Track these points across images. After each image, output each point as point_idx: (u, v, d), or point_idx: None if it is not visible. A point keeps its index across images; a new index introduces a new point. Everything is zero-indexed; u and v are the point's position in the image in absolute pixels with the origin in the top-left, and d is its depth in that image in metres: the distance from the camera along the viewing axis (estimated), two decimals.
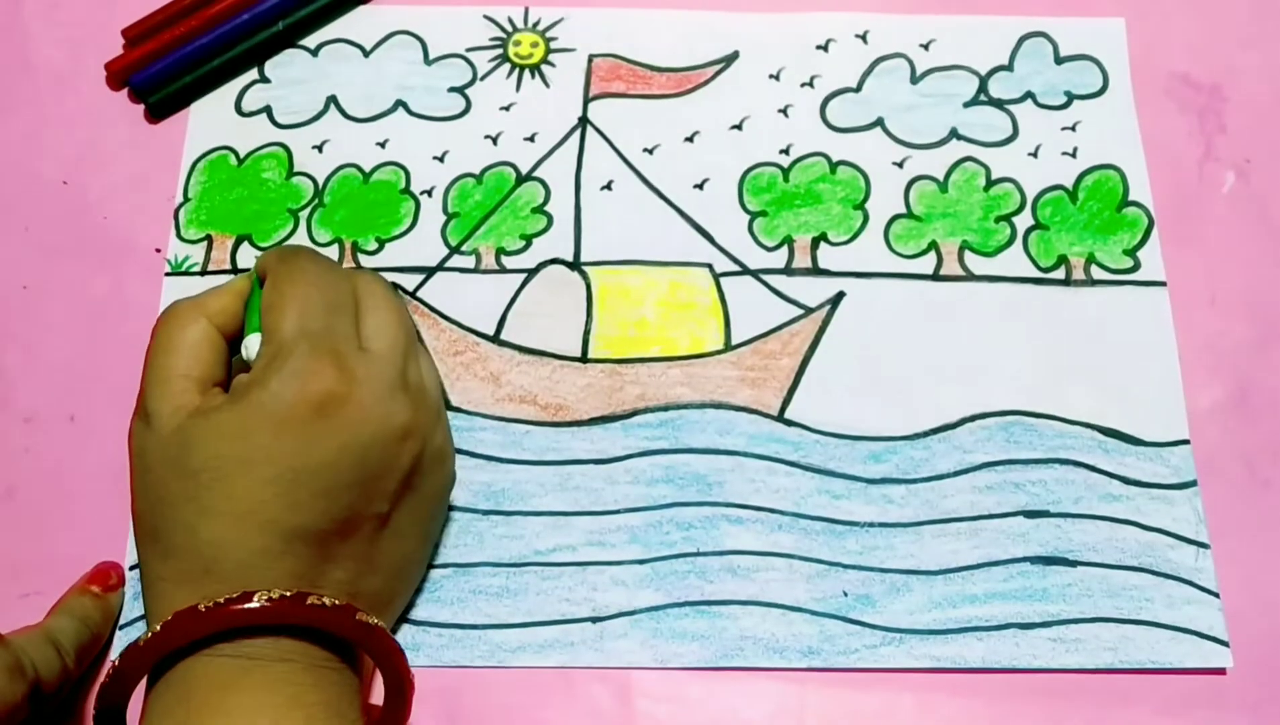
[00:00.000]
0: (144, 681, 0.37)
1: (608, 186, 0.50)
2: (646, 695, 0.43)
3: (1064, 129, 0.51)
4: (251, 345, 0.39)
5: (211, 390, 0.39)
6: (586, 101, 0.52)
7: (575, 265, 0.49)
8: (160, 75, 0.52)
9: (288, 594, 0.35)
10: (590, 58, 0.53)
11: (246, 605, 0.35)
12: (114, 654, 0.43)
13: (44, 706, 0.40)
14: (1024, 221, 0.50)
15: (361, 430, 0.37)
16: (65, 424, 0.47)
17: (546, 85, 0.52)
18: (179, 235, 0.50)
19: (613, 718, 0.43)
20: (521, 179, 0.51)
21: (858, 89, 0.52)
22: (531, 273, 0.49)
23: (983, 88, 0.52)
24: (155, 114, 0.52)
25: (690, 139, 0.51)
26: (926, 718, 0.43)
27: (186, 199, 0.50)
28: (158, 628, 0.35)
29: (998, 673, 0.43)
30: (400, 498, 0.39)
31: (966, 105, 0.52)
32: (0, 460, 0.46)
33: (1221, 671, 0.43)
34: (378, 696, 0.40)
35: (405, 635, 0.43)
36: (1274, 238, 0.50)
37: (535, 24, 0.53)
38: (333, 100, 0.52)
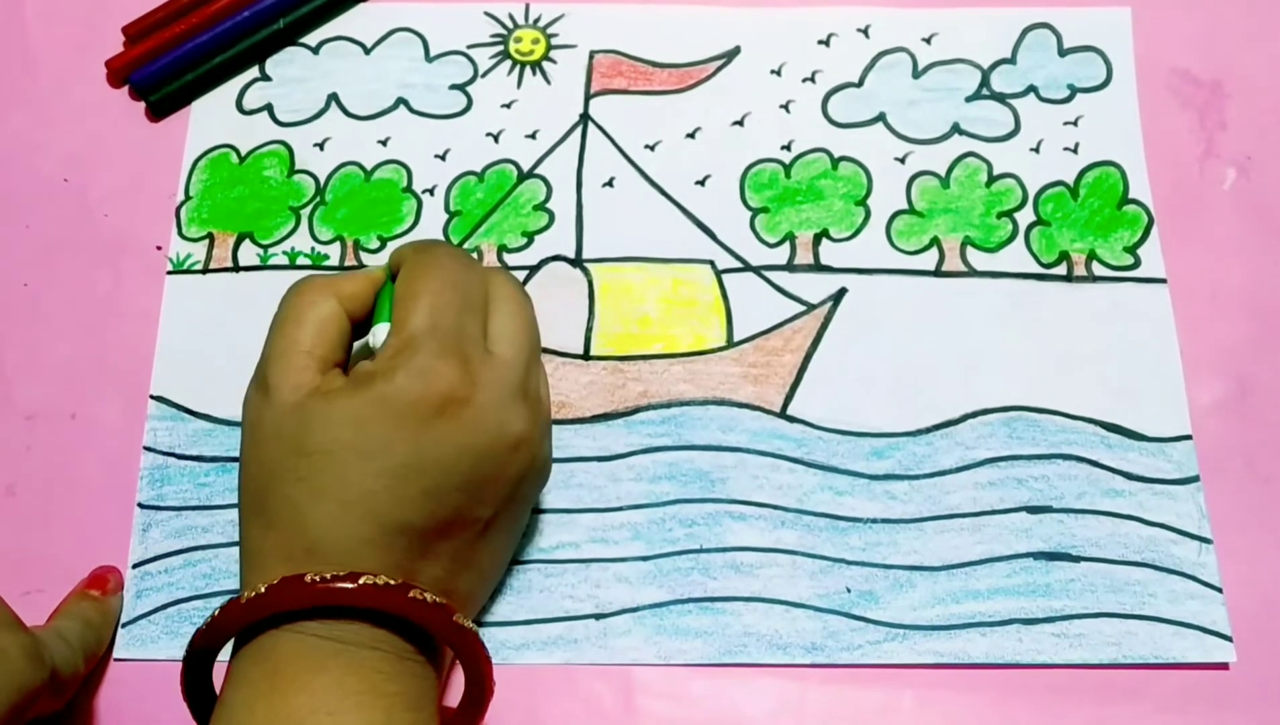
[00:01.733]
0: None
1: (609, 183, 0.50)
2: (648, 692, 0.43)
3: (1066, 123, 0.51)
4: (379, 334, 0.39)
5: (331, 371, 0.39)
6: (588, 98, 0.52)
7: (577, 262, 0.49)
8: (161, 73, 0.52)
9: (393, 583, 0.36)
10: (591, 54, 0.53)
11: (351, 585, 0.35)
12: (119, 652, 0.43)
13: (58, 696, 0.40)
14: (1026, 217, 0.50)
15: (478, 435, 0.37)
16: (66, 421, 0.47)
17: (548, 82, 0.52)
18: (180, 233, 0.50)
19: (614, 715, 0.43)
20: (523, 176, 0.51)
21: (859, 84, 0.52)
22: (533, 270, 0.49)
23: (985, 81, 0.52)
24: (156, 112, 0.52)
25: (692, 135, 0.51)
26: (927, 714, 0.43)
27: (188, 197, 0.50)
28: (262, 588, 0.35)
29: (1001, 668, 0.43)
30: (504, 505, 0.39)
31: (969, 100, 0.52)
32: (1, 458, 0.46)
33: (1224, 666, 0.43)
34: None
35: None
36: (1275, 234, 0.50)
37: (536, 20, 0.53)
38: (334, 98, 0.52)
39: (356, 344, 0.41)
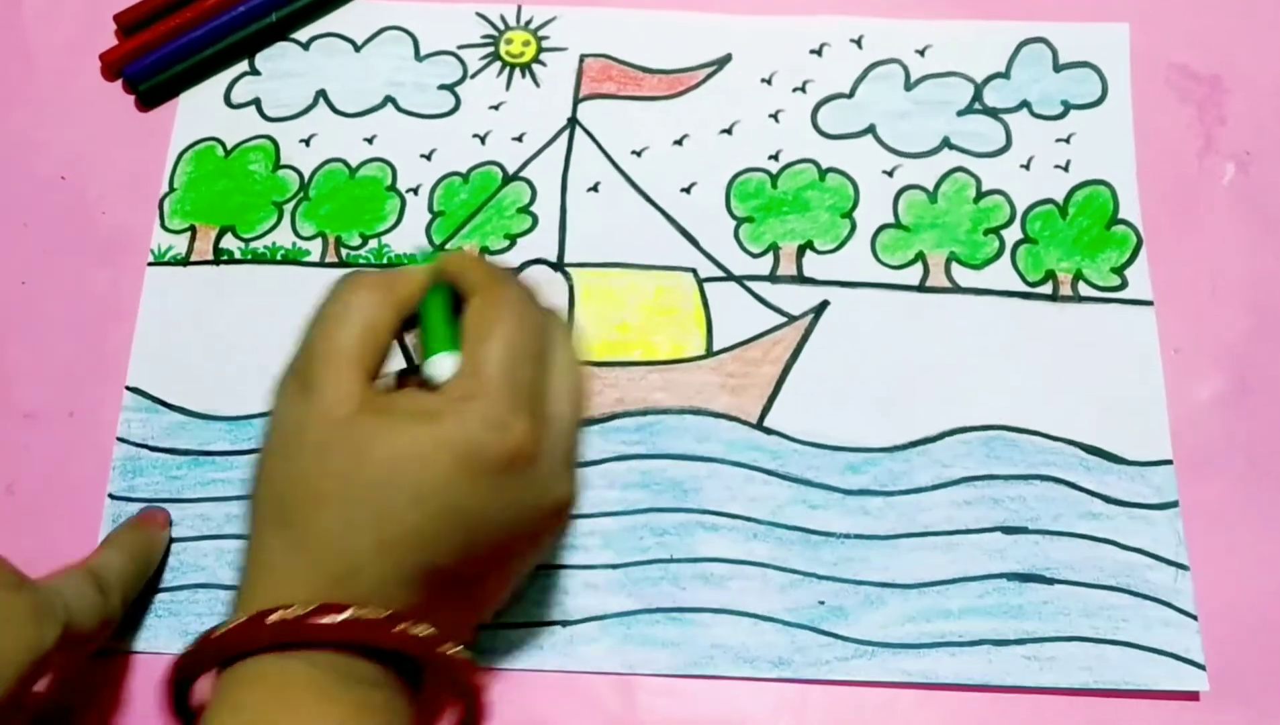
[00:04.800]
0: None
1: (594, 188, 0.50)
2: (649, 690, 0.43)
3: (1058, 140, 0.51)
4: (445, 367, 0.36)
5: (373, 385, 0.36)
6: (576, 102, 0.52)
7: (558, 266, 0.49)
8: (155, 66, 0.52)
9: (433, 633, 0.34)
10: (582, 58, 0.52)
11: (392, 629, 0.34)
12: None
13: (82, 648, 0.39)
14: (1013, 235, 0.49)
15: (527, 495, 0.36)
16: (65, 419, 0.47)
17: (537, 85, 0.52)
18: (163, 225, 0.50)
19: (616, 713, 0.43)
20: (508, 179, 0.50)
21: (850, 95, 0.52)
22: (514, 272, 0.49)
23: (978, 95, 0.51)
24: (145, 102, 0.52)
25: (679, 142, 0.51)
26: (928, 712, 0.43)
27: (172, 189, 0.50)
28: (299, 609, 0.33)
29: (969, 689, 0.43)
30: (527, 560, 0.38)
31: (960, 114, 0.51)
32: (0, 456, 0.46)
33: (1195, 696, 0.43)
34: None
35: None
36: (1273, 229, 0.49)
37: (527, 23, 0.53)
38: (322, 94, 0.52)
39: (409, 339, 0.39)
